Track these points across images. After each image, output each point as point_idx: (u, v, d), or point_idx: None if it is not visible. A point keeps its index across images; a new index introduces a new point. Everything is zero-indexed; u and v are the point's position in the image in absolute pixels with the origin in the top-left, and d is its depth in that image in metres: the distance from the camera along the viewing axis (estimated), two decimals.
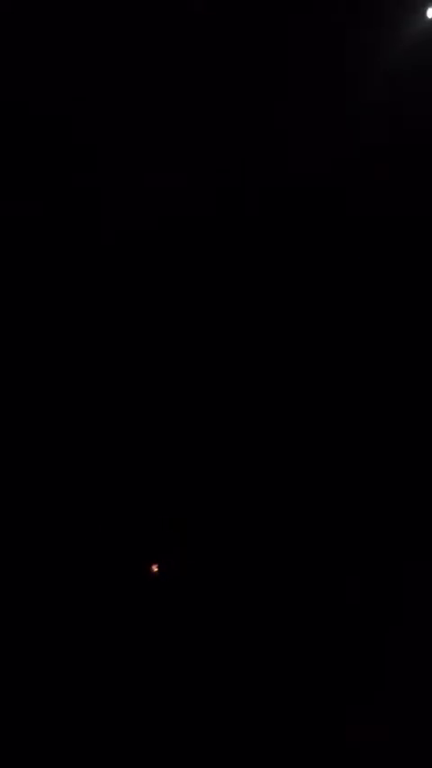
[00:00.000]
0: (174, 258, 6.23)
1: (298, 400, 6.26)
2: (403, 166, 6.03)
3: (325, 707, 5.73)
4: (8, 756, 5.62)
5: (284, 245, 6.22)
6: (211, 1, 5.69)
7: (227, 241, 6.26)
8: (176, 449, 6.25)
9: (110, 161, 6.07)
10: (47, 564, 6.00)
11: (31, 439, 6.12)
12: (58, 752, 5.65)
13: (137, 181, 6.08)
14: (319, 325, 6.29)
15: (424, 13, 5.67)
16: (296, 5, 5.73)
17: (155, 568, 6.12)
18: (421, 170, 6.06)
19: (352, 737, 5.64)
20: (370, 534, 6.04)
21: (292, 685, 5.81)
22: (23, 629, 5.87)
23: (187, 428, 6.24)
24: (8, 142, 5.92)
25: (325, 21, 5.75)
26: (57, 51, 5.73)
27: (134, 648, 5.91)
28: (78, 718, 5.74)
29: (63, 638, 5.88)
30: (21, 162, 5.99)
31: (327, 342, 6.30)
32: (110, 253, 6.19)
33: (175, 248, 6.21)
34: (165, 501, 6.19)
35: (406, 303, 6.25)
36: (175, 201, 6.09)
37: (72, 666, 5.83)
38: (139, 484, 6.20)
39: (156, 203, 6.05)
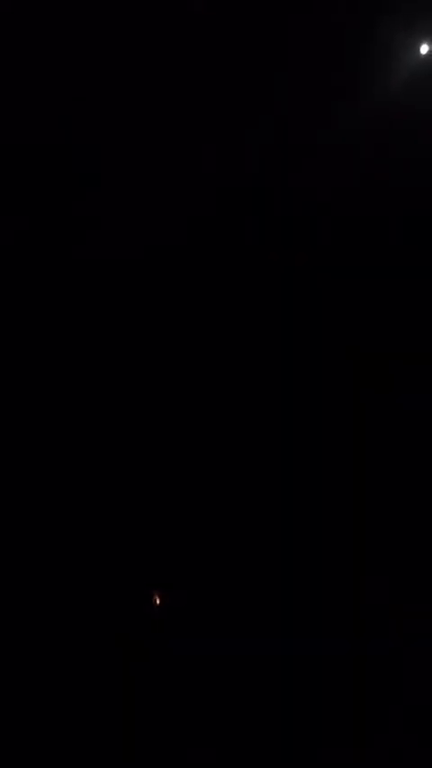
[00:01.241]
0: (175, 258, 6.24)
1: (299, 400, 6.27)
2: (403, 167, 6.04)
3: (325, 708, 5.76)
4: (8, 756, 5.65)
5: (284, 247, 6.24)
6: (212, 1, 5.68)
7: (227, 240, 6.27)
8: (174, 465, 6.27)
9: (109, 159, 6.07)
10: (46, 567, 6.02)
11: (28, 465, 6.15)
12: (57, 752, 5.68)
13: (137, 178, 6.09)
14: (320, 326, 6.30)
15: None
16: (296, 5, 5.72)
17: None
18: (421, 170, 6.06)
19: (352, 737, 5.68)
20: (370, 536, 6.05)
21: (292, 685, 5.82)
22: (22, 627, 5.89)
23: (183, 453, 6.26)
24: (4, 167, 5.93)
25: (325, 21, 5.74)
26: (54, 60, 5.74)
27: (134, 647, 5.94)
28: (76, 717, 5.77)
29: (61, 638, 5.90)
30: (16, 187, 6.00)
31: (327, 341, 6.31)
32: (109, 253, 6.21)
33: (177, 248, 6.23)
34: (165, 505, 6.21)
35: (406, 303, 6.27)
36: (175, 201, 6.10)
37: (71, 665, 5.86)
38: (139, 489, 6.21)
39: (153, 205, 6.07)
